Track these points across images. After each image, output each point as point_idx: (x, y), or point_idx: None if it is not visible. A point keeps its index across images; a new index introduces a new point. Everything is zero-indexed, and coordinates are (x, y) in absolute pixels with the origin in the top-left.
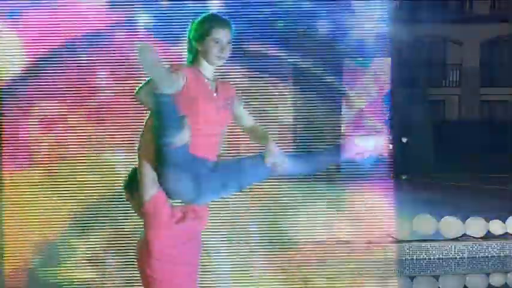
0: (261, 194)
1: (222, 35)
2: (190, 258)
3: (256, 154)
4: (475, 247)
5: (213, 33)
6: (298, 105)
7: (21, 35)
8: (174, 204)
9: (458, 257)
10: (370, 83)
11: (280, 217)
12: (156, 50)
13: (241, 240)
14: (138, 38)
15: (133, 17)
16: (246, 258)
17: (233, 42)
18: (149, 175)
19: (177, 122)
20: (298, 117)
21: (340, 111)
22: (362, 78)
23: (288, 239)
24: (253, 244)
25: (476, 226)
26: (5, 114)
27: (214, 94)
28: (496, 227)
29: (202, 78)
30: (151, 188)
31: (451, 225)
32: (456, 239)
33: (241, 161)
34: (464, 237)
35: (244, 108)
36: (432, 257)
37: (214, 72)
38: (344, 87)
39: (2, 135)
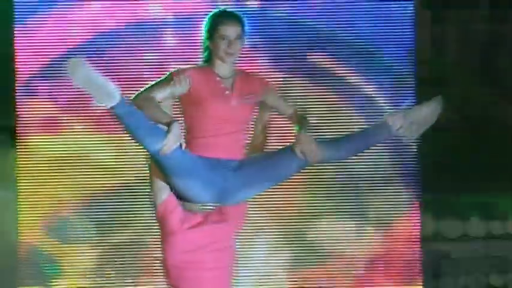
0: (279, 203)
1: (230, 31)
2: (215, 263)
3: (287, 145)
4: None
5: (220, 30)
6: (320, 105)
7: (40, 35)
8: (204, 207)
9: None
10: (395, 83)
11: (303, 226)
12: (88, 64)
13: (262, 250)
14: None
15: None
16: (267, 269)
17: (260, 44)
18: (156, 181)
19: (151, 130)
20: (318, 117)
21: (364, 111)
22: (387, 78)
23: (313, 248)
24: (275, 253)
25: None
26: (21, 115)
27: (227, 92)
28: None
29: (214, 77)
30: (160, 194)
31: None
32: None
33: (271, 154)
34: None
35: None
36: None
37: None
38: (368, 88)
39: (18, 136)
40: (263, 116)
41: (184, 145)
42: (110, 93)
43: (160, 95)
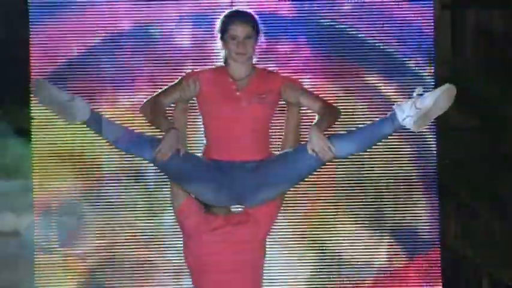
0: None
1: (239, 31)
2: (236, 265)
3: (302, 144)
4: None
5: (230, 30)
6: (337, 106)
7: (54, 36)
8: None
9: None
10: (414, 84)
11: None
12: (52, 85)
13: (279, 257)
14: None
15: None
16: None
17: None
18: (173, 186)
19: (138, 141)
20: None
21: (383, 112)
22: (406, 78)
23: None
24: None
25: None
26: (35, 116)
27: (237, 93)
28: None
29: (225, 78)
30: (178, 198)
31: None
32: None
33: (287, 153)
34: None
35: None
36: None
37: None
38: (387, 89)
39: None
40: (292, 114)
41: (183, 151)
42: (73, 112)
43: (169, 99)
